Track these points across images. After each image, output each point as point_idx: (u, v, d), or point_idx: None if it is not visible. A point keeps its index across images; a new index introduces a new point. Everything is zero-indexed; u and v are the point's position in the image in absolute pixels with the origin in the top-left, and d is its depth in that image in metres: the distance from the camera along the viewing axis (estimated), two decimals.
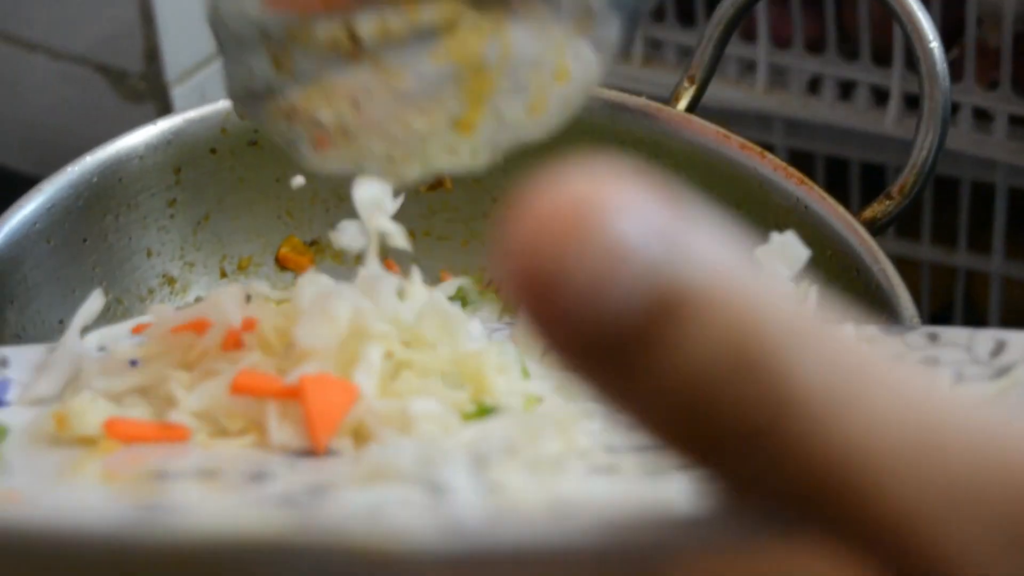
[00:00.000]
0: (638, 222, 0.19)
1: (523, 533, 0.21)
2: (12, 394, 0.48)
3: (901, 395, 0.20)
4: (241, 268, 0.68)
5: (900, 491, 0.20)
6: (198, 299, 0.66)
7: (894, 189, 0.61)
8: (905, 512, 0.20)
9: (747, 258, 0.20)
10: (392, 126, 0.48)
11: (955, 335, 0.46)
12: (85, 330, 0.51)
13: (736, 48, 0.82)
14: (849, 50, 0.82)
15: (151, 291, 0.66)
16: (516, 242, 0.19)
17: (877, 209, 0.61)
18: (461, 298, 0.64)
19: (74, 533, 0.21)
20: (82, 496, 0.41)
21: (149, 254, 0.66)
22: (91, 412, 0.46)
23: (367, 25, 0.48)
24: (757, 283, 0.20)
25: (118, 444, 0.45)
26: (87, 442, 0.46)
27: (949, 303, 0.87)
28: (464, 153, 0.48)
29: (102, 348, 0.51)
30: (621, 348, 0.20)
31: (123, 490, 0.42)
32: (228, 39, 0.50)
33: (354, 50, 0.48)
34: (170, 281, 0.66)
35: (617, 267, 0.19)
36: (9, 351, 0.50)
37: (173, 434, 0.45)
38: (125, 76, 0.85)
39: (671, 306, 0.19)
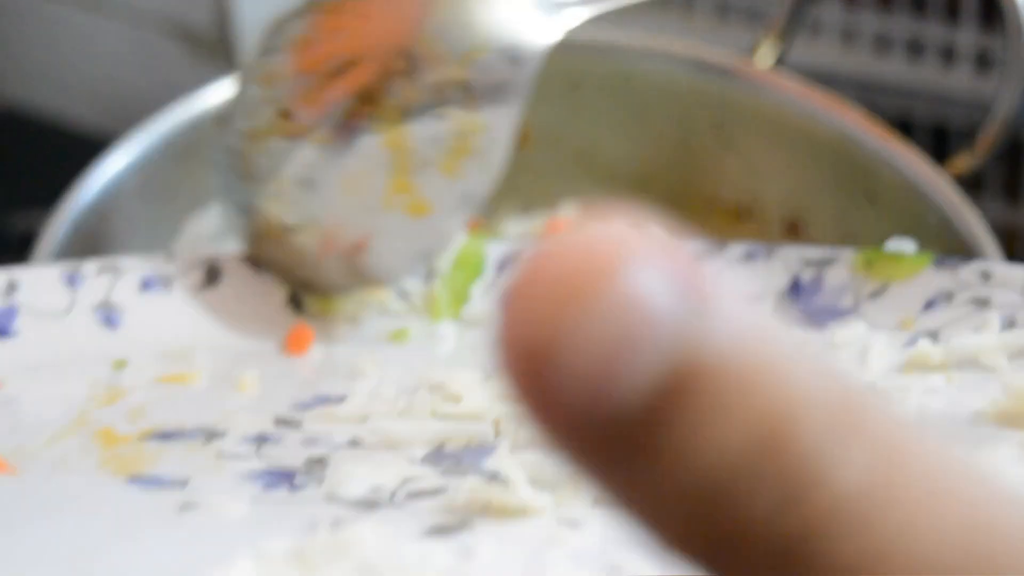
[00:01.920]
0: (653, 277, 0.16)
1: None
2: (18, 322, 0.47)
3: (957, 500, 0.17)
4: None
5: None
6: None
7: (977, 145, 0.61)
8: None
9: (779, 323, 0.17)
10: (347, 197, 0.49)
11: (1011, 275, 0.45)
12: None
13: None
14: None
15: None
16: (508, 308, 0.16)
17: (960, 165, 0.62)
18: None
19: None
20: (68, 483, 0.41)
21: None
22: None
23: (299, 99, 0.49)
24: (792, 355, 0.17)
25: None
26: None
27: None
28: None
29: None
30: (627, 430, 0.16)
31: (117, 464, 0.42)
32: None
33: (290, 127, 0.49)
34: None
35: (625, 335, 0.16)
36: (21, 273, 0.48)
37: None
38: (195, 35, 0.85)
39: (688, 382, 0.16)
